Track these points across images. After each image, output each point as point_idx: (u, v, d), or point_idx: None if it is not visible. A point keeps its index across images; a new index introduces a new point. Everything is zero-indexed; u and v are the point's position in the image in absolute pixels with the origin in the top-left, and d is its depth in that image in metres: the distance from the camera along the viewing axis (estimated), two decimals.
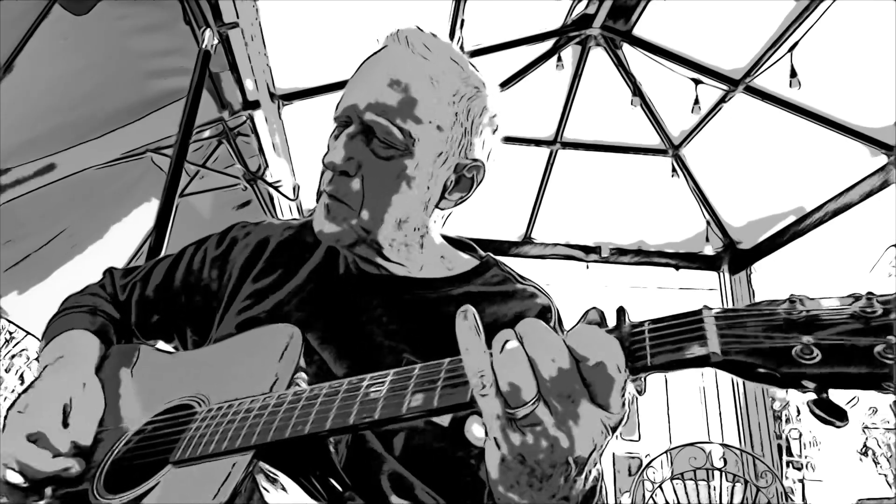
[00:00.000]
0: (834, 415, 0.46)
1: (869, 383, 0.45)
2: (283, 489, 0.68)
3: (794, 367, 0.47)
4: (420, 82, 0.89)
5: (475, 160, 0.95)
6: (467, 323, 0.57)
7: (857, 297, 0.48)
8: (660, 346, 0.53)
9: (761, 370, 0.48)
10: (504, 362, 0.54)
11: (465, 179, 0.96)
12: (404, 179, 0.90)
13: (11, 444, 0.83)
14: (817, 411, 0.47)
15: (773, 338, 0.49)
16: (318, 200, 0.95)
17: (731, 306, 0.54)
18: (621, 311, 0.57)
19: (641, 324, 0.55)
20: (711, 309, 0.53)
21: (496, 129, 0.98)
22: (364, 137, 0.89)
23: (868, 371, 0.45)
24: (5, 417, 0.89)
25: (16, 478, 0.82)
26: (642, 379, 0.55)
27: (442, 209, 0.98)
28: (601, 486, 0.62)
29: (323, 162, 0.92)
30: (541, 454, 0.54)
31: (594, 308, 0.59)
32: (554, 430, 0.53)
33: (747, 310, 0.51)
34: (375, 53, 0.95)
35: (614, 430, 0.55)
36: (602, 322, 0.58)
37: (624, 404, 0.55)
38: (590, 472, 0.57)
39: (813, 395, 0.47)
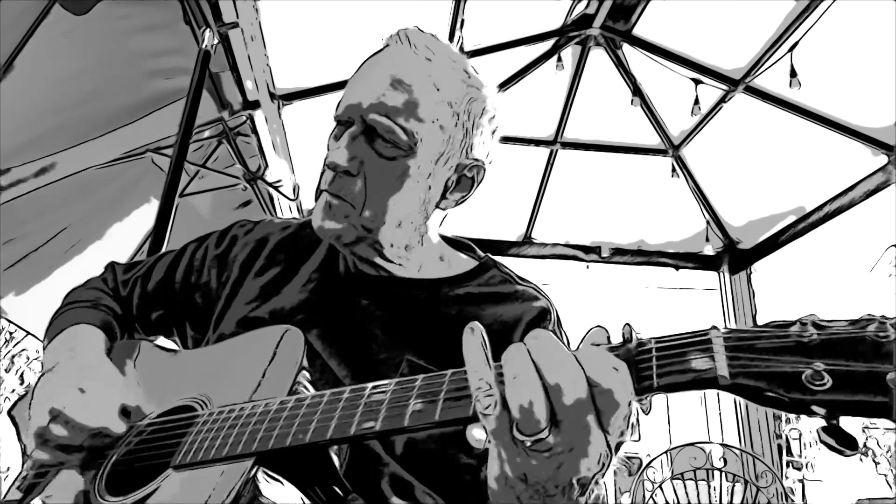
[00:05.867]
0: (844, 443, 0.45)
1: (881, 411, 0.44)
2: (284, 493, 0.68)
3: (803, 393, 0.46)
4: (423, 83, 0.89)
5: (476, 160, 0.96)
6: (474, 339, 0.54)
7: (869, 320, 0.47)
8: (666, 367, 0.52)
9: (770, 394, 0.47)
10: (519, 387, 0.51)
11: (465, 179, 0.97)
12: (406, 179, 0.90)
13: (59, 397, 0.82)
14: (827, 439, 0.45)
15: (782, 362, 0.47)
16: (317, 199, 0.94)
17: (739, 326, 0.53)
18: (627, 330, 0.55)
19: (647, 342, 0.54)
20: (719, 329, 0.52)
21: (495, 131, 0.99)
22: (366, 137, 0.89)
23: (880, 399, 0.44)
24: (38, 381, 0.87)
25: (60, 430, 0.80)
26: (648, 399, 0.54)
27: (442, 209, 0.98)
28: (603, 499, 0.62)
29: (325, 161, 0.91)
30: (545, 476, 0.53)
31: (599, 327, 0.57)
32: (562, 457, 0.52)
33: (756, 331, 0.50)
34: (376, 53, 0.95)
35: (617, 449, 0.54)
36: (607, 341, 0.57)
37: (629, 427, 0.53)
38: (592, 490, 0.56)
39: (822, 422, 0.46)
